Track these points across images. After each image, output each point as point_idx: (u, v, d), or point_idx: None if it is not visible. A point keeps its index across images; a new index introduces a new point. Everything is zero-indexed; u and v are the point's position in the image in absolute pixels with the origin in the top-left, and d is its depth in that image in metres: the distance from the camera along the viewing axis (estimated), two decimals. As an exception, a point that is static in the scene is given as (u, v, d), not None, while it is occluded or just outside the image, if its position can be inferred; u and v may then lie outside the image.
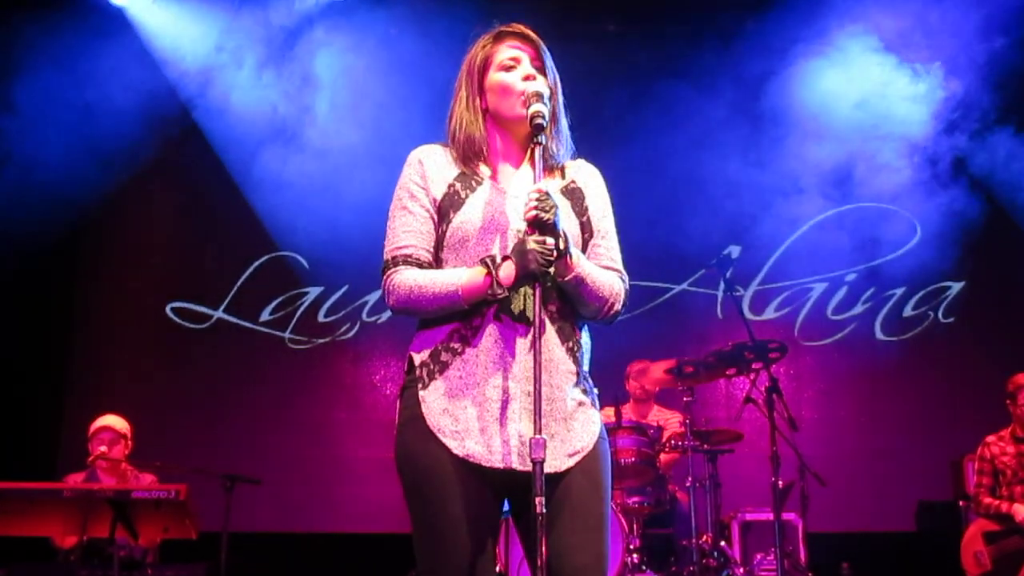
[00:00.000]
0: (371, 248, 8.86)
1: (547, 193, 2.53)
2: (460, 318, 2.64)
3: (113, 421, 6.50)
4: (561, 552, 2.54)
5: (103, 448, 6.33)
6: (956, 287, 8.56)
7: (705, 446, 6.53)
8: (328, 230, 8.33)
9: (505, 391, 2.57)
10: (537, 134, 2.64)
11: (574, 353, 2.69)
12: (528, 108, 2.66)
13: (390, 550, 7.66)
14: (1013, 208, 8.25)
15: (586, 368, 2.74)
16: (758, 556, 6.79)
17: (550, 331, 2.64)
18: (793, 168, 8.12)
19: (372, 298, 8.75)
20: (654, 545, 6.68)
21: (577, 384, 2.68)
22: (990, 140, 8.02)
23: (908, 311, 8.61)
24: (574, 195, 2.78)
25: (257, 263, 8.85)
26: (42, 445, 8.27)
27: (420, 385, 2.65)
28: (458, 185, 2.74)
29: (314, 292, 8.83)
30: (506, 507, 2.72)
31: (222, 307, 8.81)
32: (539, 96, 2.67)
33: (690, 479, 6.27)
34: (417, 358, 2.70)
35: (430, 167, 2.79)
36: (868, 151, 8.18)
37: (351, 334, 8.81)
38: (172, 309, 8.79)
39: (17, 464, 7.41)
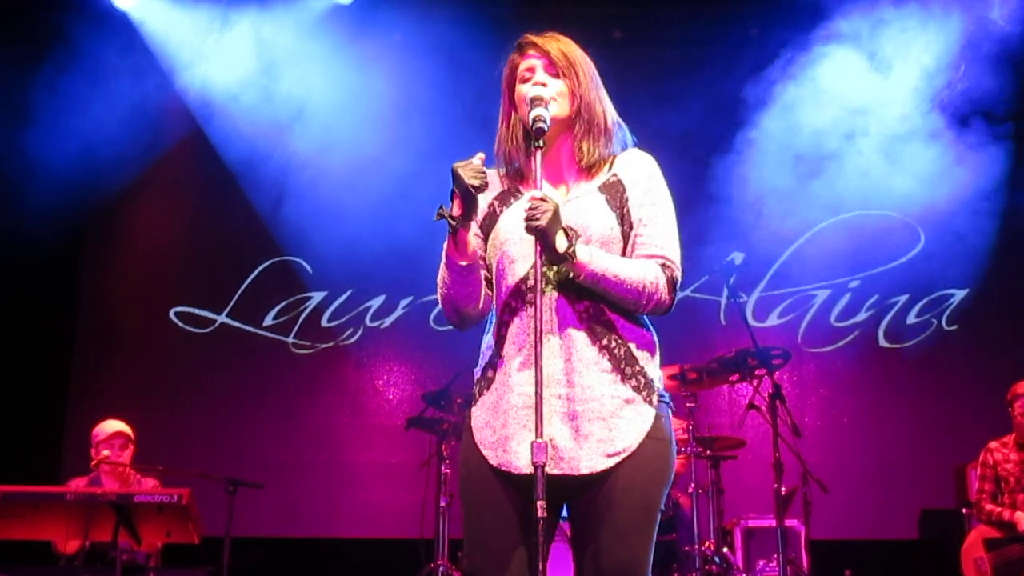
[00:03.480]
0: (374, 253, 8.93)
1: (541, 199, 2.52)
2: (494, 331, 2.72)
3: (123, 426, 6.51)
4: (595, 553, 2.56)
5: (106, 452, 6.33)
6: (960, 295, 8.55)
7: (708, 452, 6.53)
8: (332, 235, 8.34)
9: (529, 396, 2.55)
10: (538, 138, 2.64)
11: (611, 351, 2.63)
12: (529, 114, 2.68)
13: (392, 555, 7.67)
14: (1017, 216, 8.23)
15: (641, 363, 2.67)
16: (761, 563, 6.78)
17: (578, 331, 2.63)
18: (797, 174, 8.10)
19: (375, 303, 8.76)
20: (657, 551, 6.64)
21: (624, 380, 2.62)
22: (992, 147, 8.01)
23: (911, 318, 8.60)
24: (613, 189, 2.75)
25: (261, 268, 8.86)
26: (46, 449, 8.28)
27: (473, 402, 2.75)
28: (496, 203, 2.80)
29: (317, 297, 8.84)
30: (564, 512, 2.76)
31: (226, 312, 8.81)
32: (539, 100, 2.67)
33: (693, 485, 6.27)
34: (476, 375, 2.80)
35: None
36: (871, 157, 8.17)
37: (354, 339, 8.81)
38: (176, 313, 8.80)
39: (21, 468, 7.43)
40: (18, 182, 7.64)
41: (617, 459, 2.57)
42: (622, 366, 2.63)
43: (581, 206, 2.71)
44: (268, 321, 8.81)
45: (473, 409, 2.73)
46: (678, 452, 6.42)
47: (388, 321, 8.76)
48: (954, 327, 8.55)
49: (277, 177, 8.47)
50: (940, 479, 8.06)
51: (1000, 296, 8.49)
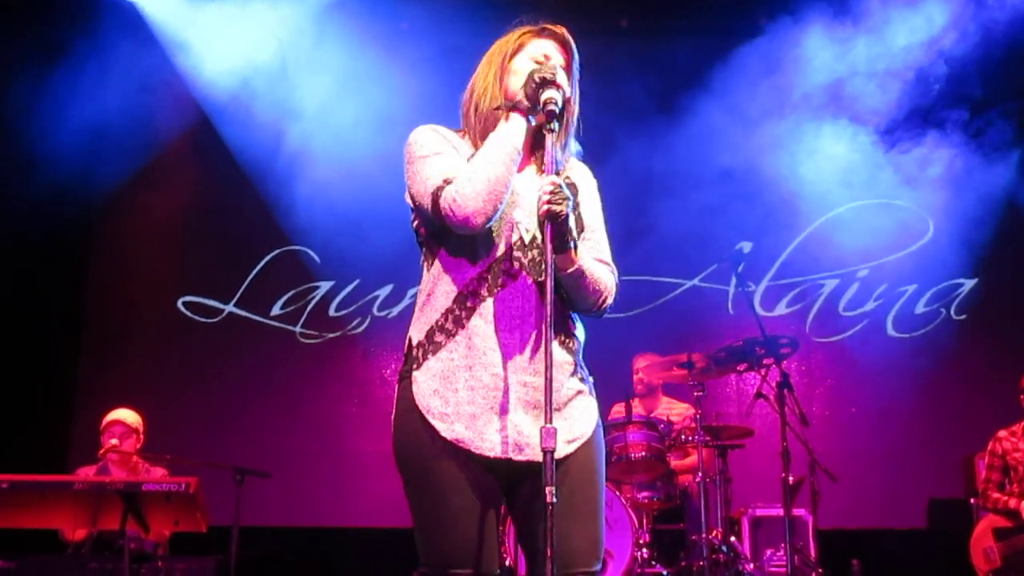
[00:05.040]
0: (382, 243, 8.91)
1: (560, 185, 2.53)
2: (456, 299, 2.65)
3: (124, 415, 6.53)
4: (559, 536, 2.53)
5: (114, 441, 6.35)
6: (969, 284, 8.53)
7: (716, 441, 6.53)
8: (339, 225, 8.33)
9: (503, 379, 2.58)
10: (550, 120, 2.62)
11: (568, 345, 2.71)
12: (541, 94, 2.63)
13: (399, 545, 7.65)
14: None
15: (582, 358, 2.77)
16: (768, 552, 6.78)
17: (544, 323, 2.60)
18: (806, 163, 8.09)
19: (383, 292, 8.76)
20: (664, 540, 6.68)
21: (574, 374, 2.71)
22: (1002, 136, 7.98)
23: (920, 308, 8.58)
24: (570, 190, 2.75)
25: (268, 257, 8.86)
26: (54, 438, 8.29)
27: (415, 366, 2.67)
28: None
29: (325, 286, 8.84)
30: None
31: (233, 301, 8.82)
32: (555, 85, 2.63)
33: (700, 474, 6.26)
34: (415, 338, 2.71)
35: (449, 136, 2.79)
36: (880, 146, 8.15)
37: (362, 329, 8.81)
38: (183, 303, 8.81)
39: (29, 457, 7.45)
40: (26, 171, 7.64)
41: (575, 445, 2.65)
42: (573, 359, 2.72)
43: None
44: (276, 311, 8.82)
45: (415, 372, 2.66)
46: (687, 441, 6.44)
47: (396, 311, 8.76)
48: (963, 316, 8.53)
49: (285, 167, 8.46)
50: (948, 469, 8.05)
51: (1009, 286, 8.47)
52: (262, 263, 8.86)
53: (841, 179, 8.25)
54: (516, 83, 2.72)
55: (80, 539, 6.10)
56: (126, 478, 5.72)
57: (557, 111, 2.62)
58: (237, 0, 8.32)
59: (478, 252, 2.66)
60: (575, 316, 2.78)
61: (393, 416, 2.74)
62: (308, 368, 8.74)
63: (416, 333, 2.71)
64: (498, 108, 2.71)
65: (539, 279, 2.63)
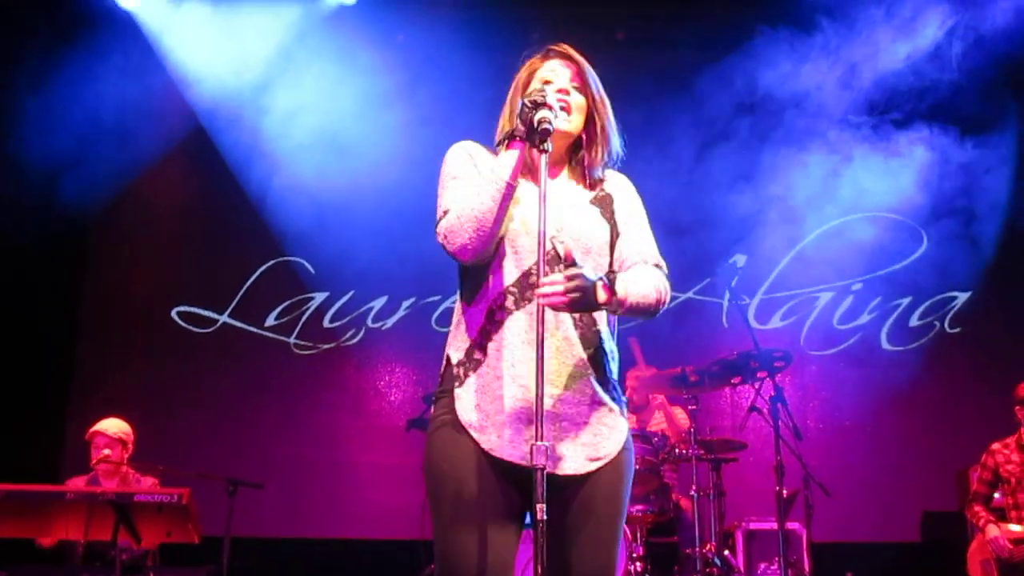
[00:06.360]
0: (377, 254, 8.91)
1: (566, 278, 2.49)
2: (487, 315, 2.67)
3: (108, 425, 6.49)
4: (572, 558, 2.55)
5: (107, 451, 6.34)
6: (963, 297, 8.55)
7: (709, 455, 6.52)
8: (334, 236, 8.34)
9: (528, 389, 2.57)
10: (543, 140, 2.61)
11: (598, 360, 2.69)
12: (533, 116, 2.63)
13: (393, 556, 7.68)
14: (1020, 218, 8.22)
15: (615, 376, 2.75)
16: (762, 566, 6.77)
17: (574, 336, 2.65)
18: (800, 176, 8.10)
19: (377, 304, 8.76)
20: (658, 554, 6.67)
21: (605, 391, 2.69)
22: (995, 150, 8.00)
23: (915, 321, 8.59)
24: (603, 202, 2.84)
25: (263, 268, 8.86)
26: (47, 448, 8.27)
27: (457, 383, 2.68)
28: None
29: (320, 297, 8.84)
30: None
31: (228, 312, 8.81)
32: (547, 105, 2.64)
33: (694, 488, 6.25)
34: (455, 357, 2.73)
35: (477, 157, 2.81)
36: (874, 159, 8.16)
37: (356, 340, 8.81)
38: (178, 313, 8.80)
39: (22, 467, 7.42)
40: (20, 181, 7.63)
41: (599, 464, 2.64)
42: (603, 376, 2.70)
43: (580, 216, 2.77)
44: (270, 321, 8.82)
45: (457, 390, 2.67)
46: (679, 455, 6.43)
47: (390, 322, 8.76)
48: (957, 329, 8.54)
49: (279, 178, 8.46)
50: (942, 481, 8.05)
51: (1003, 299, 8.49)
52: (256, 274, 8.85)
53: (835, 192, 8.25)
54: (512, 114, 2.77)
55: (50, 544, 6.11)
56: (117, 488, 5.71)
57: (551, 129, 2.61)
58: (236, 13, 8.33)
59: (507, 267, 2.68)
60: (610, 334, 2.77)
61: (430, 430, 2.73)
62: (302, 379, 8.73)
63: (455, 352, 2.74)
64: (498, 144, 2.75)
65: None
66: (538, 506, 2.35)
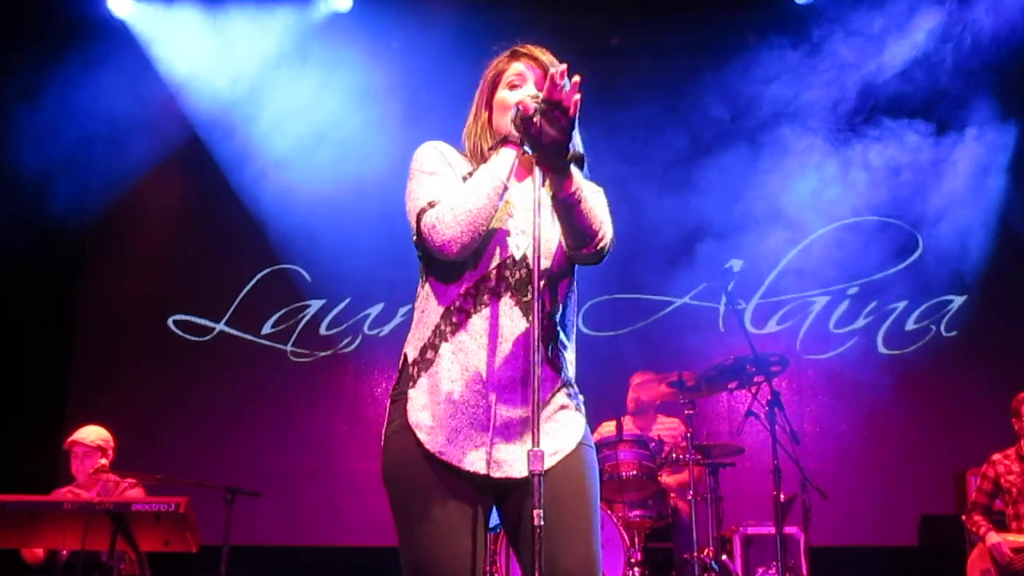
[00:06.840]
0: (373, 261, 8.90)
1: (564, 74, 2.47)
2: (444, 315, 2.65)
3: (86, 434, 6.40)
4: (551, 556, 2.51)
5: (103, 461, 6.32)
6: (958, 301, 8.55)
7: (706, 460, 6.51)
8: (330, 243, 8.35)
9: (484, 396, 2.58)
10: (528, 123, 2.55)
11: (555, 359, 2.69)
12: (518, 116, 2.59)
13: (390, 563, 7.65)
14: (1015, 222, 8.24)
15: (570, 375, 2.74)
16: (760, 570, 6.76)
17: (531, 336, 2.57)
18: (795, 180, 8.11)
19: (374, 311, 8.76)
20: (655, 559, 6.66)
21: (560, 391, 2.69)
22: (991, 153, 8.02)
23: (910, 325, 8.59)
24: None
25: (259, 276, 8.86)
26: (43, 459, 8.25)
27: (410, 384, 2.67)
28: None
29: (316, 305, 8.84)
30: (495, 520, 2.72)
31: (224, 320, 8.81)
32: (533, 98, 2.59)
33: (691, 493, 6.25)
34: (411, 355, 2.71)
35: (448, 155, 2.80)
36: (869, 163, 8.18)
37: (353, 347, 8.81)
38: (174, 322, 8.80)
39: (18, 477, 7.40)
40: (16, 192, 7.63)
41: (556, 459, 2.62)
42: (560, 374, 2.70)
43: (548, 217, 2.69)
44: (266, 329, 8.81)
45: (410, 391, 2.66)
46: (678, 461, 6.43)
47: (386, 329, 8.76)
48: (953, 333, 8.54)
49: (274, 185, 8.46)
50: (939, 485, 8.05)
51: (999, 302, 8.49)
52: (253, 282, 8.85)
53: (830, 196, 8.27)
54: (505, 119, 2.73)
55: (37, 559, 6.07)
56: (99, 496, 5.69)
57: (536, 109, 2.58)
58: (230, 20, 8.33)
59: (467, 268, 2.66)
60: (565, 336, 2.75)
61: (384, 434, 2.73)
62: (299, 387, 8.73)
63: (411, 350, 2.72)
64: (491, 148, 2.72)
65: (525, 299, 2.63)
66: (535, 512, 2.34)
